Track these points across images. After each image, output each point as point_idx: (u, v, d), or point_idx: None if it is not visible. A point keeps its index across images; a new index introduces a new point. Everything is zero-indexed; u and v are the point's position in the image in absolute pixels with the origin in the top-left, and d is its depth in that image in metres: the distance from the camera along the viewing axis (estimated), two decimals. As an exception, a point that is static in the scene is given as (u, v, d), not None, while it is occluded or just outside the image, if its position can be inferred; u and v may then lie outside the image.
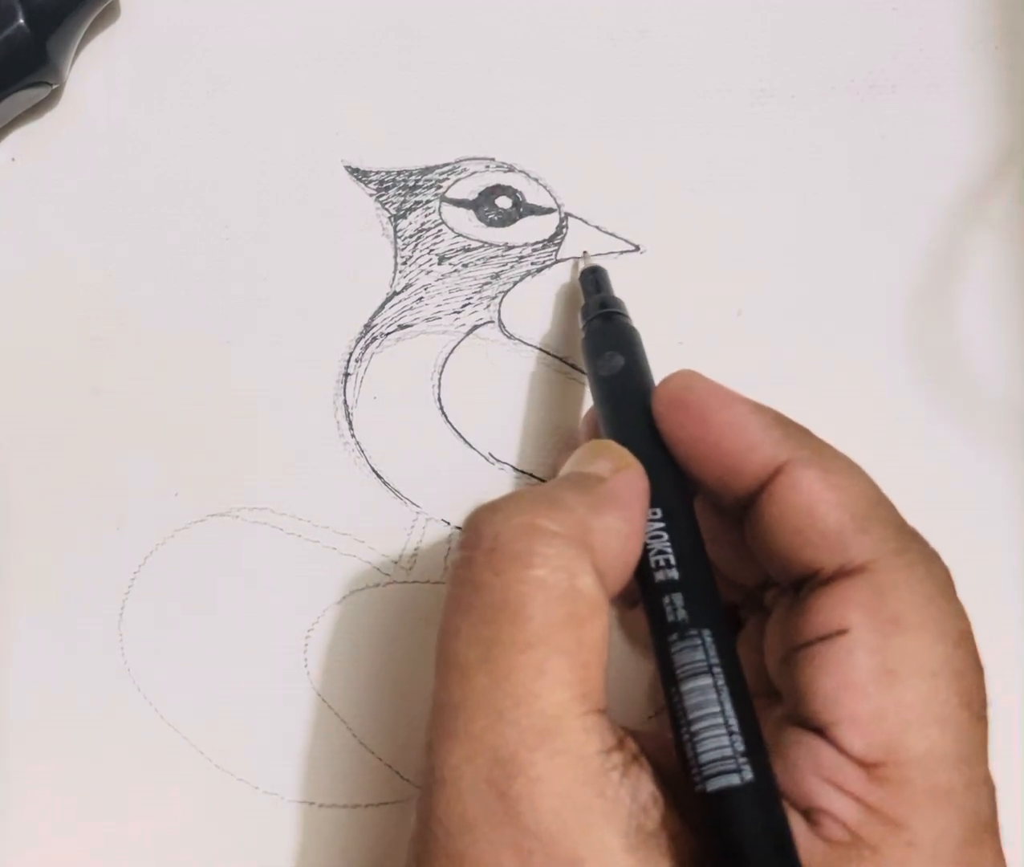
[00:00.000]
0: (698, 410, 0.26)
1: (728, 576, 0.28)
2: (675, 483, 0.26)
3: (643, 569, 0.25)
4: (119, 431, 0.34)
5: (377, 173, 0.35)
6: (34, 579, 0.33)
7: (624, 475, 0.25)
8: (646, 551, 0.25)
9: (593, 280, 0.33)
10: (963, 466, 0.34)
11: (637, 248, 0.35)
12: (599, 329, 0.31)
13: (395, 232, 0.35)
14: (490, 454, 0.33)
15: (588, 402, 0.34)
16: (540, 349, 0.34)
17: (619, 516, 0.24)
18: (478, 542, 0.23)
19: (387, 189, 0.35)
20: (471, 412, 0.34)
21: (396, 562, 0.33)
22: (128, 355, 0.34)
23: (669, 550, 0.25)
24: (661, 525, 0.25)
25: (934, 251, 0.35)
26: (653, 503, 0.25)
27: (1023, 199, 0.35)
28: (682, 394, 0.26)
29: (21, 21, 0.33)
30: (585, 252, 0.34)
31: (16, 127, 0.36)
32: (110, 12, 0.36)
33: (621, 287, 0.34)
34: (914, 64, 0.36)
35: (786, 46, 0.37)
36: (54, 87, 0.35)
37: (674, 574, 0.24)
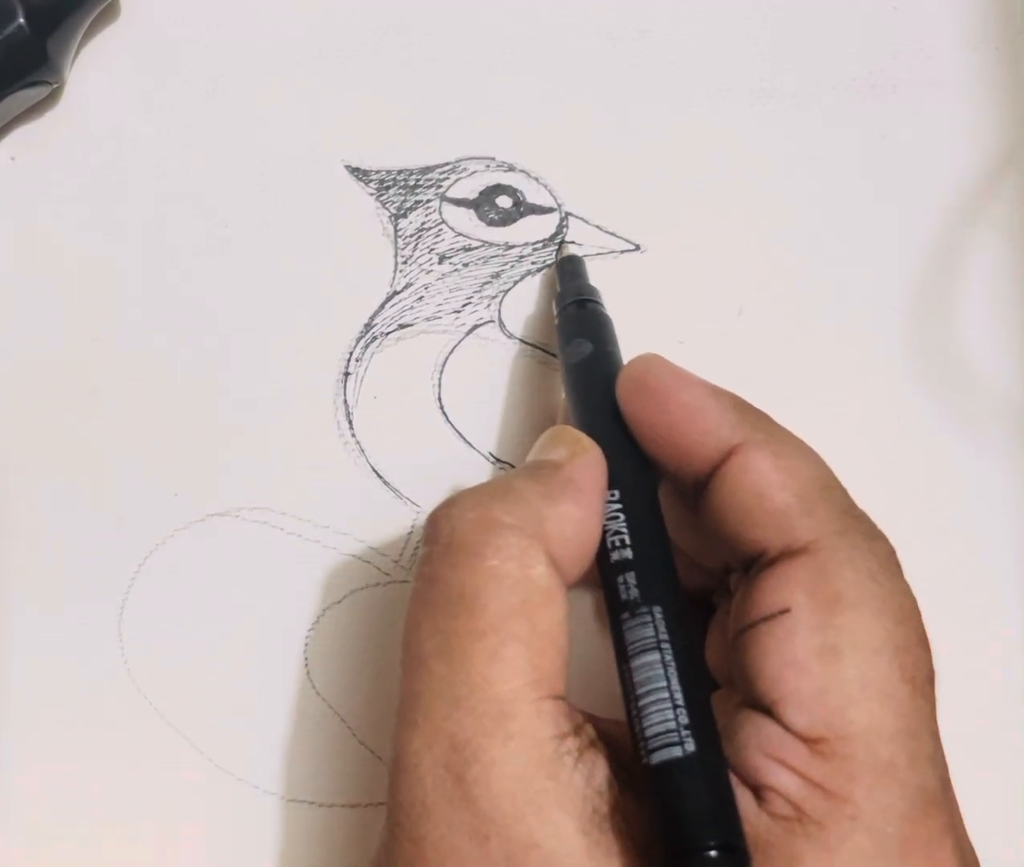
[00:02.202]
0: (658, 392, 0.26)
1: (698, 561, 0.28)
2: (636, 466, 0.26)
3: (601, 550, 0.25)
4: (119, 431, 0.34)
5: (377, 172, 0.35)
6: (34, 579, 0.33)
7: (580, 460, 0.25)
8: (604, 532, 0.25)
9: (570, 268, 0.33)
10: (963, 466, 0.34)
11: (637, 248, 0.35)
12: (571, 316, 0.31)
13: (395, 231, 0.35)
14: (490, 454, 0.33)
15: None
16: (540, 348, 0.34)
17: (573, 502, 0.24)
18: (436, 537, 0.24)
19: (387, 188, 0.35)
20: (471, 412, 0.34)
21: (396, 562, 0.33)
22: (128, 355, 0.34)
23: (625, 530, 0.25)
24: (618, 506, 0.25)
25: (934, 251, 0.35)
26: (612, 485, 0.26)
27: (1023, 199, 0.35)
28: (643, 377, 0.26)
29: (21, 20, 0.33)
30: (562, 242, 0.34)
31: (16, 127, 0.36)
32: (110, 12, 0.36)
33: (621, 287, 0.34)
34: (914, 64, 0.36)
35: (787, 46, 0.37)
36: (54, 87, 0.35)
37: (628, 554, 0.25)
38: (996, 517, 0.34)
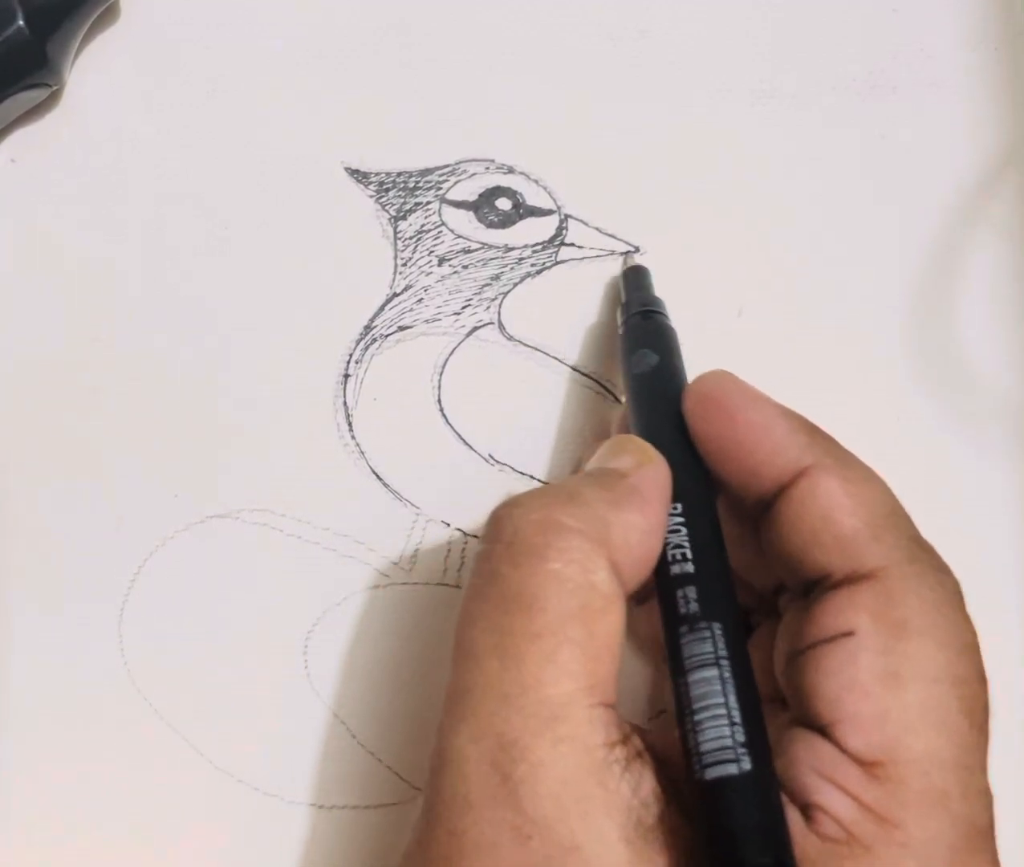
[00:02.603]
0: (727, 409, 0.26)
1: (744, 579, 0.28)
2: (698, 479, 0.26)
3: (660, 562, 0.25)
4: (119, 431, 0.34)
5: (377, 175, 0.35)
6: (34, 579, 0.33)
7: (645, 470, 0.25)
8: (664, 544, 0.25)
9: (635, 278, 0.33)
10: (963, 466, 0.34)
11: (637, 248, 0.35)
12: (636, 327, 0.31)
13: (395, 233, 0.35)
14: (490, 455, 0.33)
15: (587, 402, 0.34)
16: (540, 351, 0.34)
17: (638, 511, 0.24)
18: (499, 535, 0.24)
19: (387, 190, 0.35)
20: (471, 413, 0.34)
21: (396, 563, 0.33)
22: (128, 355, 0.34)
23: (686, 544, 0.25)
24: (680, 520, 0.25)
25: (934, 251, 0.35)
26: (675, 498, 0.26)
27: (1023, 199, 0.35)
28: (713, 392, 0.27)
29: (21, 22, 0.33)
30: (628, 252, 0.34)
31: (16, 128, 0.36)
32: (110, 12, 0.36)
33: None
34: (914, 64, 0.36)
35: (787, 46, 0.37)
36: (54, 88, 0.35)
37: (689, 568, 0.25)
38: (996, 517, 0.34)
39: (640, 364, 0.29)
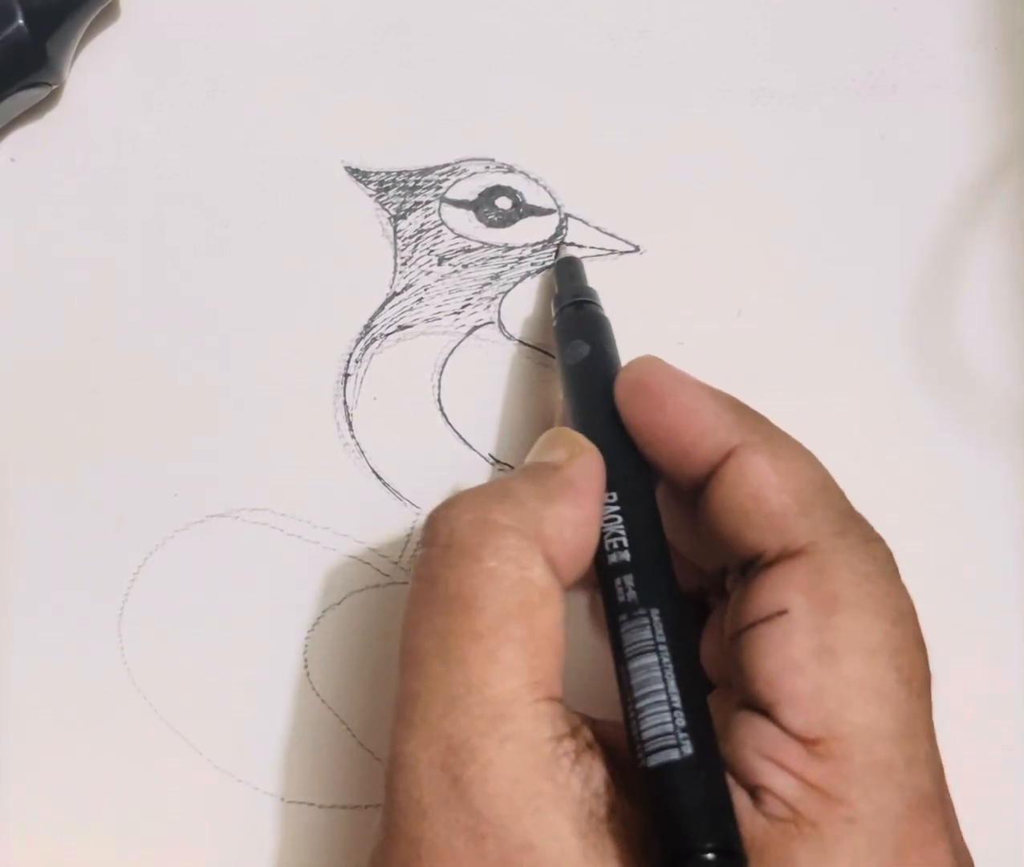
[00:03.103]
0: (656, 394, 0.26)
1: (694, 562, 0.28)
2: (634, 467, 0.26)
3: (598, 552, 0.25)
4: (119, 431, 0.34)
5: (377, 174, 0.35)
6: (34, 579, 0.33)
7: (578, 462, 0.25)
8: (601, 534, 0.25)
9: (568, 270, 0.33)
10: (963, 466, 0.34)
11: (637, 248, 0.35)
12: (569, 317, 0.31)
13: (395, 233, 0.35)
14: (490, 454, 0.33)
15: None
16: (540, 350, 0.34)
17: (571, 504, 0.25)
18: (435, 538, 0.24)
19: (387, 190, 0.35)
20: (471, 412, 0.34)
21: (396, 563, 0.33)
22: (128, 355, 0.34)
23: (623, 532, 0.25)
24: (616, 509, 0.25)
25: (934, 251, 0.35)
26: (610, 487, 0.26)
27: (1023, 199, 0.35)
28: (642, 378, 0.27)
29: (21, 21, 0.33)
30: (560, 243, 0.34)
31: (16, 127, 0.36)
32: (110, 12, 0.36)
33: (621, 287, 0.34)
34: (914, 64, 0.36)
35: (787, 46, 0.37)
36: (54, 87, 0.35)
37: (626, 556, 0.25)
38: (996, 517, 0.34)
39: (573, 355, 0.29)
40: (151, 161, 0.36)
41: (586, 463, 0.26)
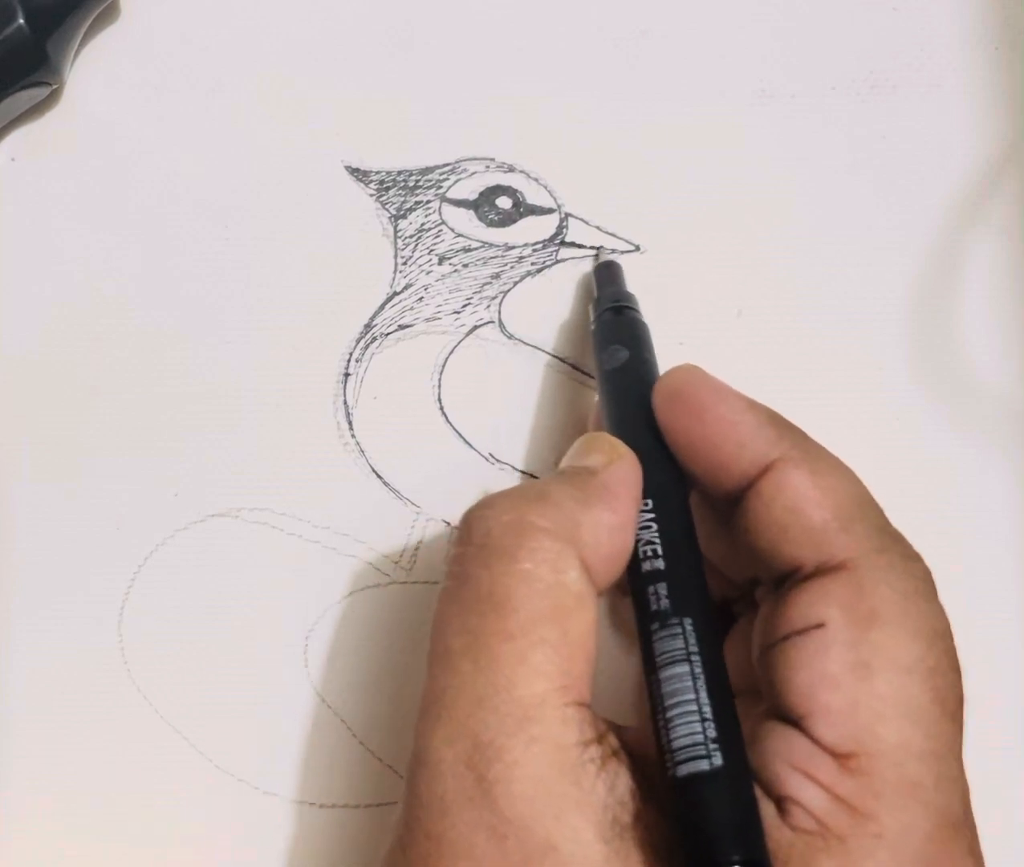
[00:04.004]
0: (695, 404, 0.26)
1: (723, 572, 0.28)
2: (669, 475, 0.26)
3: (632, 559, 0.25)
4: (119, 431, 0.34)
5: (377, 173, 0.35)
6: (34, 579, 0.33)
7: (615, 467, 0.25)
8: (635, 541, 0.25)
9: (607, 274, 0.33)
10: (963, 466, 0.34)
11: (637, 248, 0.35)
12: (607, 322, 0.31)
13: (395, 232, 0.35)
14: (490, 454, 0.33)
15: (588, 401, 0.34)
16: (540, 349, 0.34)
17: (608, 509, 0.24)
18: (470, 537, 0.24)
19: (387, 189, 0.35)
20: (471, 412, 0.34)
21: (396, 562, 0.33)
22: (128, 355, 0.34)
23: (657, 540, 0.25)
24: (651, 516, 0.25)
25: (934, 251, 0.35)
26: (645, 494, 0.26)
27: (1023, 199, 0.35)
28: (681, 387, 0.26)
29: (21, 21, 0.33)
30: (600, 247, 0.34)
31: (16, 127, 0.36)
32: (110, 12, 0.36)
33: (621, 287, 0.34)
34: (914, 64, 0.36)
35: (786, 46, 0.37)
36: (54, 87, 0.35)
37: (660, 564, 0.25)
38: (996, 517, 0.34)
39: (611, 360, 0.29)
40: (151, 161, 0.36)
41: (624, 469, 0.26)
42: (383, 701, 0.32)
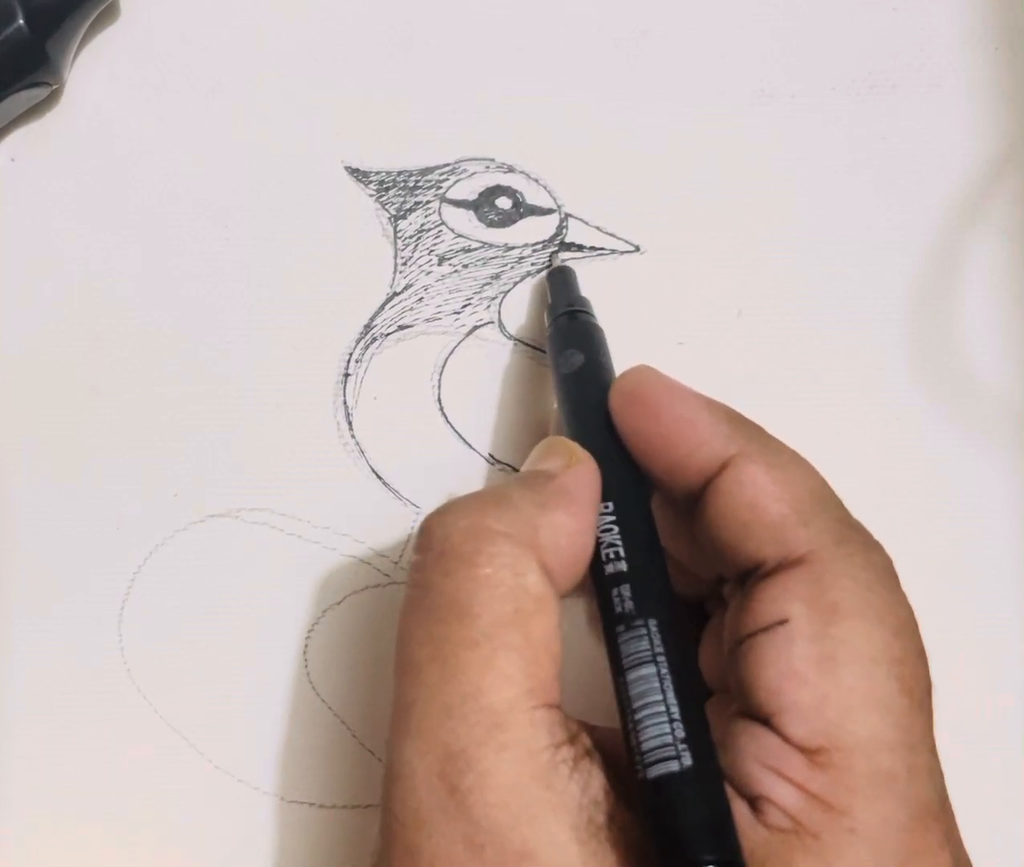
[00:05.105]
0: (652, 404, 0.26)
1: (691, 570, 0.28)
2: (629, 477, 0.26)
3: (595, 562, 0.25)
4: (118, 431, 0.34)
5: (377, 174, 0.35)
6: (34, 579, 0.33)
7: (574, 471, 0.26)
8: (597, 544, 0.25)
9: (561, 280, 0.33)
10: (963, 466, 0.34)
11: (637, 248, 0.35)
12: (562, 327, 0.31)
13: (395, 232, 0.35)
14: (490, 455, 0.33)
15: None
16: (540, 349, 0.34)
17: (567, 512, 0.25)
18: (429, 545, 0.24)
19: (387, 189, 0.35)
20: (471, 412, 0.34)
21: (396, 563, 0.33)
22: (128, 355, 0.34)
23: (619, 542, 0.25)
24: (612, 519, 0.25)
25: (934, 251, 0.35)
26: (605, 497, 0.26)
27: (1023, 199, 0.35)
28: (637, 388, 0.27)
29: (21, 21, 0.33)
30: (554, 252, 0.35)
31: (16, 127, 0.36)
32: (110, 12, 0.36)
33: (621, 287, 0.34)
34: (914, 64, 0.36)
35: (786, 46, 0.37)
36: (54, 87, 0.35)
37: (623, 566, 0.25)
38: (996, 517, 0.34)
39: (567, 364, 0.29)
40: (151, 161, 0.36)
41: (582, 472, 0.26)
42: (382, 701, 0.32)
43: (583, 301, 0.32)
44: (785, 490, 0.24)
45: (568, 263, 0.34)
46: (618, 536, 0.25)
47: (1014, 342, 0.35)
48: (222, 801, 0.32)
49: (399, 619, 0.24)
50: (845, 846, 0.22)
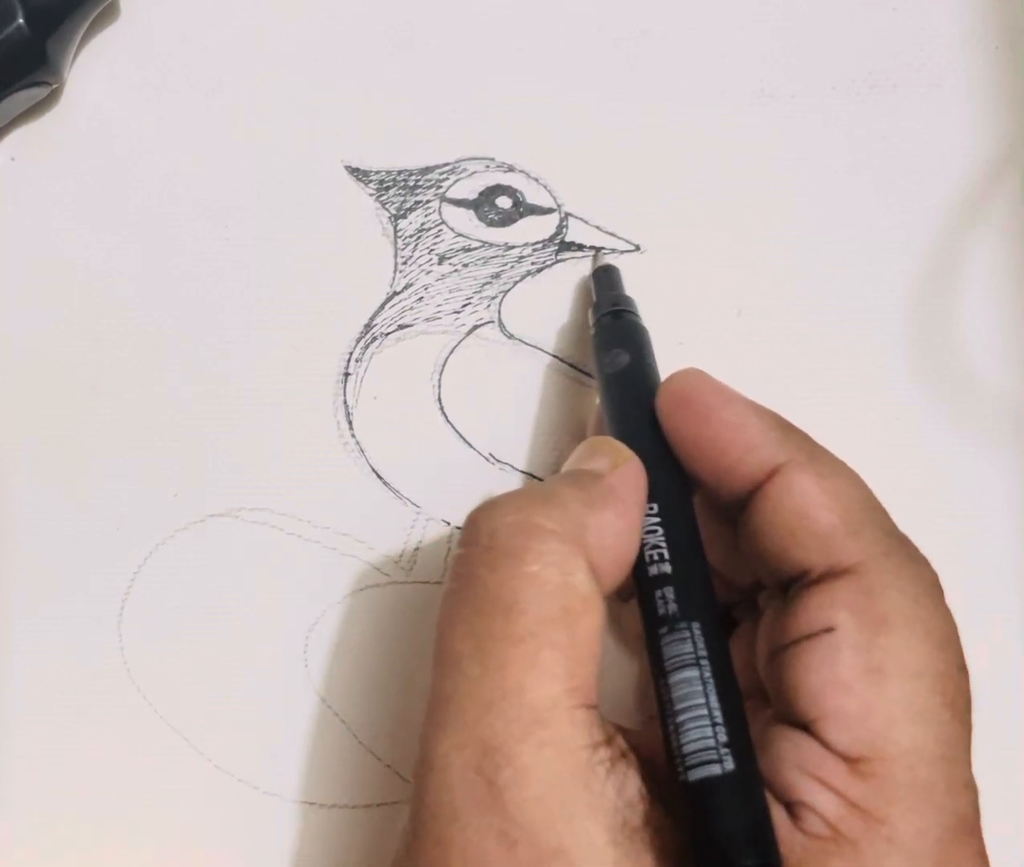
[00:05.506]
0: (700, 408, 0.26)
1: (724, 576, 0.28)
2: (674, 479, 0.26)
3: (638, 563, 0.25)
4: (118, 431, 0.34)
5: (377, 173, 0.35)
6: (35, 580, 0.33)
7: (621, 471, 0.25)
8: (641, 545, 0.25)
9: (606, 278, 0.33)
10: (963, 466, 0.34)
11: (637, 248, 0.35)
12: (607, 326, 0.31)
13: (395, 232, 0.35)
14: (490, 454, 0.33)
15: (588, 401, 0.34)
16: (540, 349, 0.34)
17: (614, 512, 0.24)
18: (476, 539, 0.24)
19: (387, 189, 0.35)
20: (471, 412, 0.34)
21: (396, 562, 0.33)
22: (128, 355, 0.34)
23: (663, 544, 0.25)
24: (657, 520, 0.25)
25: (934, 251, 0.35)
26: (651, 498, 0.26)
27: (1023, 199, 0.35)
28: (686, 391, 0.26)
29: (21, 21, 0.33)
30: (599, 250, 0.34)
31: (16, 127, 0.36)
32: (110, 12, 0.36)
33: (621, 287, 0.34)
34: (914, 64, 0.36)
35: (786, 46, 0.37)
36: (54, 87, 0.35)
37: (667, 568, 0.24)
38: (996, 517, 0.34)
39: (612, 364, 0.29)
40: (151, 161, 0.36)
41: (629, 472, 0.25)
42: (383, 701, 0.32)
43: (628, 300, 0.32)
44: (835, 500, 0.24)
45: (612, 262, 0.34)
46: (662, 538, 0.25)
47: (1014, 342, 0.35)
48: (222, 801, 0.32)
49: (440, 611, 0.24)
50: (883, 856, 0.22)
